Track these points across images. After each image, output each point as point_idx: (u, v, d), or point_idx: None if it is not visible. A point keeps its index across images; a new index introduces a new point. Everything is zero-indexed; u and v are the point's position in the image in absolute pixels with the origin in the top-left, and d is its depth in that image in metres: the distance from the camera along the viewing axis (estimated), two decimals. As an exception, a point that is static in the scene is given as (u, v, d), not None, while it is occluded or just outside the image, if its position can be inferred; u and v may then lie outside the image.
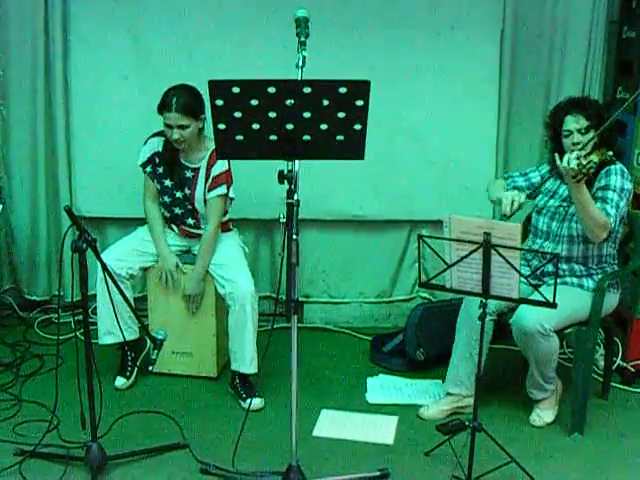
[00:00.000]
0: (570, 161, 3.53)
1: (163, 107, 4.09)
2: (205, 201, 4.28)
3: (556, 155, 3.71)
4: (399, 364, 4.71)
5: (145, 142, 4.33)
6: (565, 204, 3.99)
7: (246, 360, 4.20)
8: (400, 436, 3.95)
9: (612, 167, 3.87)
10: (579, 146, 3.79)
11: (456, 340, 4.08)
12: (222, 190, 4.24)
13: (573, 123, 3.89)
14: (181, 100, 4.05)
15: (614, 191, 3.81)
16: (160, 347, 3.72)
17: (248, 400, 4.06)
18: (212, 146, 4.08)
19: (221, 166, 4.21)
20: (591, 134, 3.82)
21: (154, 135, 4.32)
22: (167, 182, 4.32)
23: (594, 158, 3.61)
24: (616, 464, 3.72)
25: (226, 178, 4.25)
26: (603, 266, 4.02)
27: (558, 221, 4.01)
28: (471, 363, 3.92)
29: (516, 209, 3.80)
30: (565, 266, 3.99)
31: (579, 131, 3.87)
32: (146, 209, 4.41)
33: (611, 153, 3.74)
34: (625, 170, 3.90)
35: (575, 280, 4.00)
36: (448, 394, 4.14)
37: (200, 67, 4.68)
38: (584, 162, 3.52)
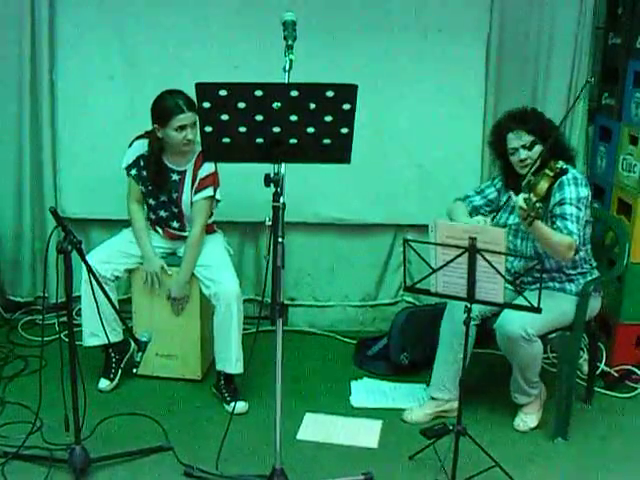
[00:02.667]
0: (519, 201, 3.46)
1: (171, 112, 4.06)
2: (192, 203, 4.27)
3: (511, 194, 3.68)
4: (383, 368, 4.72)
5: (130, 144, 4.32)
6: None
7: (231, 360, 4.19)
8: (384, 440, 3.95)
9: (564, 178, 3.79)
10: (527, 162, 3.81)
11: (440, 344, 4.08)
12: (209, 192, 4.24)
13: (516, 140, 3.87)
14: (188, 99, 4.03)
15: (571, 204, 3.75)
16: (144, 349, 3.71)
17: (232, 403, 4.06)
18: (198, 149, 4.08)
19: (208, 168, 4.21)
20: (537, 148, 3.83)
21: (138, 138, 4.31)
22: (152, 185, 4.31)
23: (543, 187, 3.62)
24: (599, 469, 3.73)
25: (213, 180, 4.25)
26: (582, 270, 4.02)
27: (522, 239, 4.01)
28: (455, 367, 3.92)
29: None
30: (544, 275, 3.97)
31: (524, 147, 3.85)
32: (130, 212, 4.40)
33: (561, 163, 3.70)
34: (578, 176, 3.84)
35: (557, 285, 4.00)
36: (432, 398, 4.14)
37: (186, 69, 4.66)
38: (531, 204, 3.41)
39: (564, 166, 3.71)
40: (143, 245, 4.35)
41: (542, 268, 3.75)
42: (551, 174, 3.69)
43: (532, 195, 3.49)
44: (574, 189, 3.79)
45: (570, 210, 3.75)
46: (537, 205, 3.41)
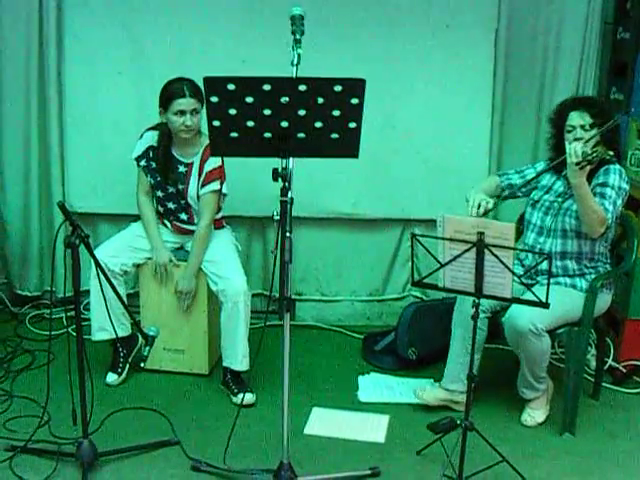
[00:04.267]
0: (577, 147, 3.59)
1: (173, 95, 4.09)
2: (198, 197, 4.28)
3: (566, 142, 3.73)
4: (391, 363, 4.71)
5: (141, 136, 4.33)
6: (560, 199, 4.01)
7: (238, 357, 4.19)
8: (391, 435, 3.95)
9: (611, 166, 3.89)
10: (582, 141, 3.81)
11: (452, 337, 4.08)
12: (215, 186, 4.24)
13: (578, 119, 3.90)
14: (193, 85, 4.07)
15: (612, 189, 3.83)
16: (152, 343, 3.71)
17: (240, 395, 4.08)
18: (206, 141, 4.08)
19: (214, 162, 4.21)
20: (594, 131, 3.84)
21: (149, 129, 4.32)
22: (160, 177, 4.31)
23: (599, 149, 3.67)
24: (607, 464, 3.73)
25: (219, 174, 4.25)
26: (596, 265, 4.02)
27: (552, 215, 4.02)
28: (468, 360, 3.92)
29: (481, 214, 3.83)
30: (559, 263, 4.00)
31: (582, 127, 3.88)
32: (139, 203, 4.41)
33: (612, 153, 3.79)
34: (623, 171, 3.93)
35: (568, 280, 4.00)
36: (445, 390, 4.14)
37: (194, 64, 4.65)
38: (589, 150, 3.59)
39: (613, 158, 3.82)
40: (152, 236, 4.36)
41: (551, 262, 3.76)
42: (603, 151, 3.75)
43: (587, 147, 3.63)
44: (618, 178, 3.88)
45: (610, 193, 3.83)
46: (596, 149, 3.61)
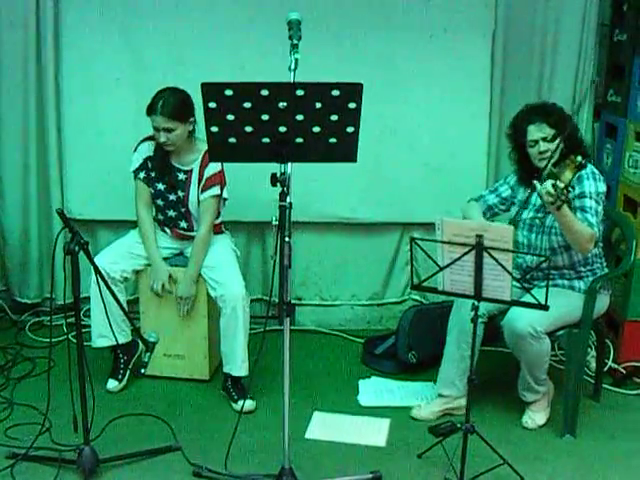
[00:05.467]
0: (548, 187, 3.45)
1: (148, 110, 4.10)
2: (199, 203, 4.28)
3: (535, 182, 3.60)
4: (391, 366, 4.72)
5: (135, 149, 4.33)
6: (540, 215, 3.98)
7: (237, 362, 4.20)
8: (392, 438, 3.95)
9: (583, 172, 3.81)
10: (547, 154, 3.80)
11: (447, 342, 4.09)
12: (215, 191, 4.25)
13: (537, 132, 3.87)
14: (167, 104, 4.06)
15: (590, 198, 3.78)
16: (152, 350, 3.72)
17: (240, 402, 4.08)
18: (204, 147, 4.07)
19: (214, 167, 4.22)
20: (557, 141, 3.81)
21: (143, 140, 4.32)
22: (160, 185, 4.32)
23: (567, 177, 3.56)
24: (608, 466, 3.73)
25: (219, 179, 4.25)
26: (592, 267, 4.03)
27: (537, 234, 4.01)
28: (462, 365, 3.93)
29: None
30: (555, 272, 4.00)
31: (544, 139, 3.85)
32: (139, 216, 4.40)
33: (580, 158, 3.66)
34: (596, 171, 3.88)
35: (566, 282, 4.00)
36: (440, 395, 4.14)
37: (192, 69, 4.67)
38: (561, 185, 3.44)
39: (583, 160, 3.70)
40: (151, 253, 4.36)
41: (550, 265, 3.76)
42: (573, 165, 3.64)
43: (558, 182, 3.49)
44: (593, 183, 3.82)
45: (589, 203, 3.78)
46: (565, 190, 3.44)
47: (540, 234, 3.99)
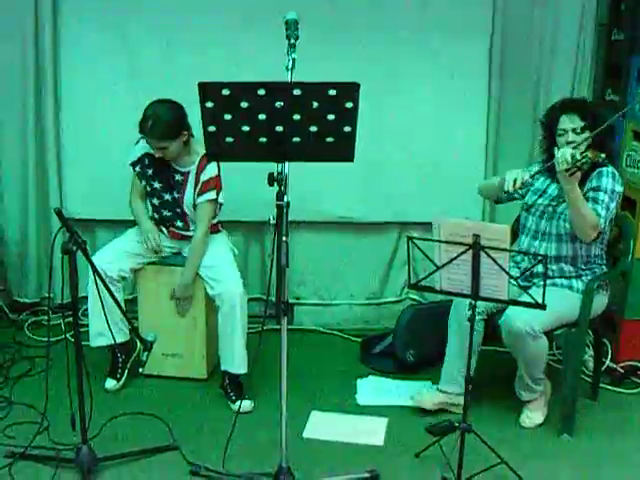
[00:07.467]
0: (566, 154, 3.59)
1: (141, 129, 4.09)
2: (194, 205, 4.28)
3: (555, 148, 3.73)
4: (389, 366, 4.72)
5: (137, 142, 4.32)
6: (554, 203, 4.01)
7: (235, 360, 4.20)
8: (390, 437, 3.96)
9: (604, 169, 3.89)
10: (573, 144, 3.82)
11: (449, 339, 4.10)
12: (212, 195, 4.24)
13: (568, 122, 3.91)
14: (157, 125, 4.04)
15: (605, 192, 3.83)
16: (150, 349, 3.72)
17: (237, 402, 4.08)
18: (202, 150, 4.07)
19: (211, 171, 4.21)
20: (586, 134, 3.85)
21: (145, 135, 4.33)
22: (156, 184, 4.32)
23: (589, 154, 3.64)
24: (605, 465, 3.74)
25: (215, 183, 4.25)
26: (592, 267, 4.03)
27: (547, 219, 4.02)
28: (464, 362, 3.93)
29: (518, 187, 3.86)
30: (554, 266, 4.01)
31: (574, 130, 3.89)
32: (132, 206, 4.44)
33: (604, 155, 3.75)
34: (616, 173, 3.93)
35: (564, 281, 4.01)
36: (441, 391, 4.15)
37: (190, 72, 4.61)
38: (579, 156, 3.58)
39: (606, 160, 3.80)
40: (139, 219, 4.41)
41: (547, 264, 3.76)
42: (595, 155, 3.70)
43: (577, 151, 3.62)
44: (611, 181, 3.88)
45: (603, 197, 3.83)
46: (586, 154, 3.58)
47: (549, 220, 4.01)
